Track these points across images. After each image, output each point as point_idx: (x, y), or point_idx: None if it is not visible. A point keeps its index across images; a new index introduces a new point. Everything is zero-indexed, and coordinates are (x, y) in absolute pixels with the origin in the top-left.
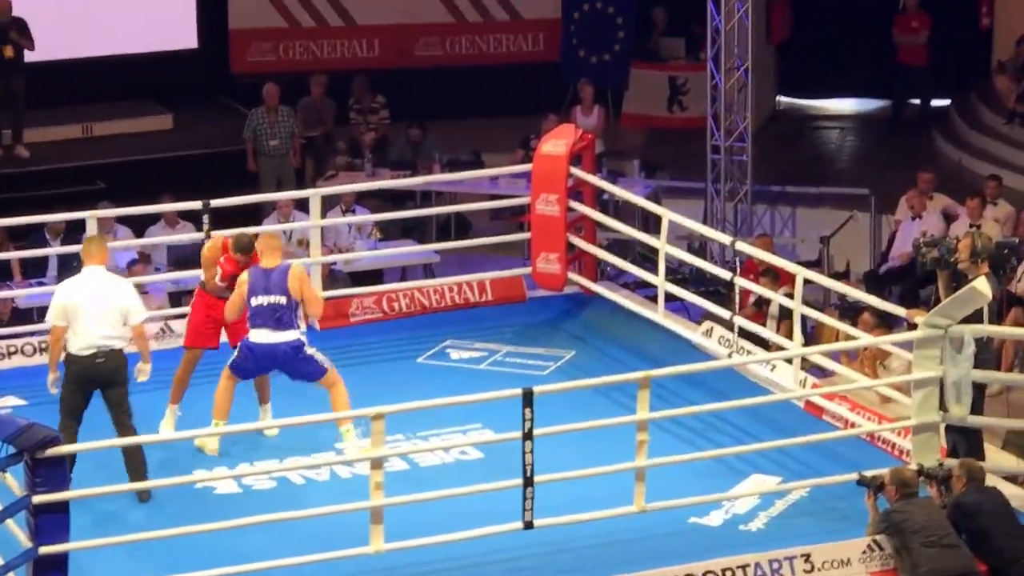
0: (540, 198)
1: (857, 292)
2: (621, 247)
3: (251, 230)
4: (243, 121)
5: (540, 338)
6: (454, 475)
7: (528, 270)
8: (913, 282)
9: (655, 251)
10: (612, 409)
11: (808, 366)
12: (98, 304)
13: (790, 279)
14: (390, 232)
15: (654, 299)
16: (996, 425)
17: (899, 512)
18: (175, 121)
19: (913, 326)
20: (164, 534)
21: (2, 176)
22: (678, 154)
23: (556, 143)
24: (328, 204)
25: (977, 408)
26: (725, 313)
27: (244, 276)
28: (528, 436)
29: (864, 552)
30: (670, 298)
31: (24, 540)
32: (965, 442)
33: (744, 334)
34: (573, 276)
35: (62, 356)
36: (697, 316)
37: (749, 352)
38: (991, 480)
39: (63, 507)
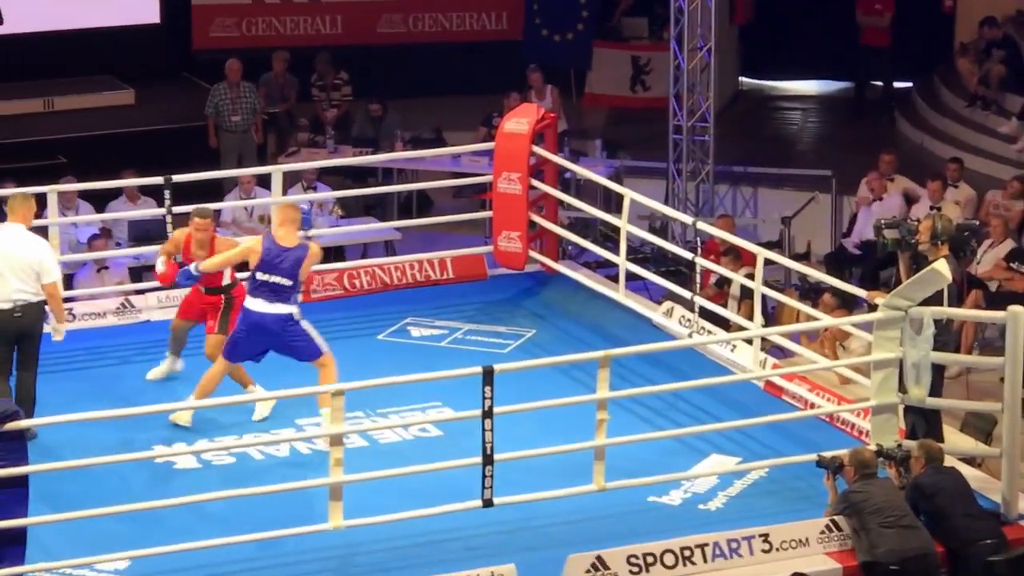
0: (502, 176)
1: (818, 273)
2: (583, 226)
3: (213, 206)
4: (205, 97)
5: (501, 316)
6: (414, 452)
7: (489, 248)
8: (873, 264)
9: (616, 230)
10: (572, 388)
11: (768, 346)
12: (12, 260)
13: (751, 259)
14: (352, 209)
15: (615, 278)
16: (955, 407)
17: (858, 492)
18: (137, 96)
19: (873, 307)
20: (123, 509)
21: None
22: (640, 134)
23: (519, 122)
24: (290, 181)
25: (936, 390)
26: (686, 293)
27: (256, 244)
28: (488, 414)
29: (822, 532)
30: (631, 277)
31: None
32: (924, 423)
33: (705, 314)
34: (534, 255)
35: None
36: (658, 296)
37: (709, 332)
38: (949, 461)
39: (23, 481)
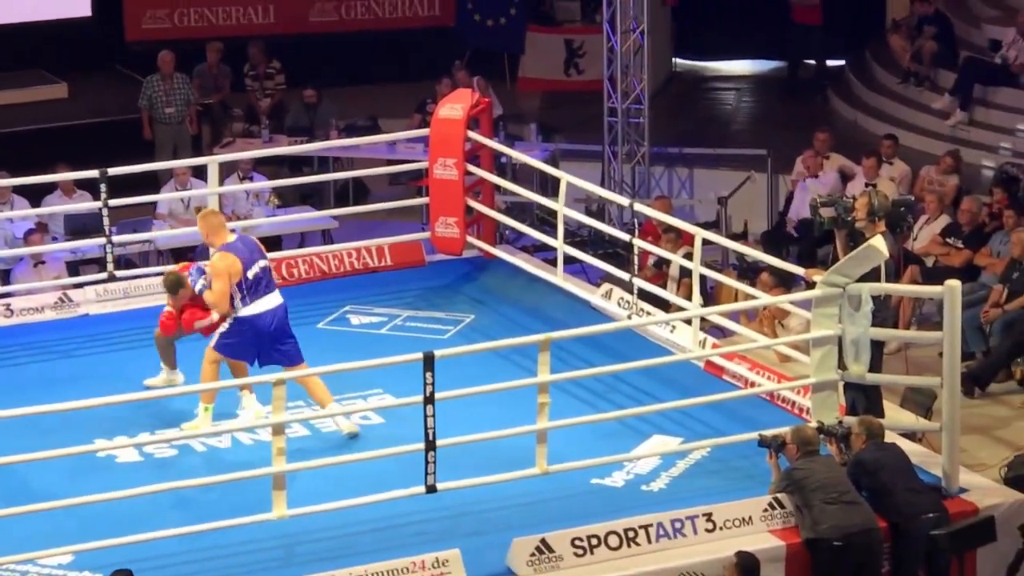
0: (438, 162)
1: (756, 252)
2: (520, 210)
3: (148, 198)
4: (138, 89)
5: (440, 302)
6: (357, 440)
7: (427, 234)
8: (810, 241)
9: (553, 214)
10: (513, 372)
11: (708, 327)
12: None
13: (689, 240)
14: (288, 198)
15: (553, 262)
16: (894, 382)
17: (800, 470)
18: (70, 90)
19: (811, 285)
20: (65, 503)
21: None
22: (575, 117)
23: (453, 107)
24: (225, 171)
25: (876, 366)
26: (624, 275)
27: (229, 258)
28: (430, 400)
29: (765, 510)
30: (569, 261)
31: None
32: (864, 399)
33: (643, 295)
34: (472, 240)
35: None
36: (596, 278)
37: (649, 313)
38: (890, 437)
39: None
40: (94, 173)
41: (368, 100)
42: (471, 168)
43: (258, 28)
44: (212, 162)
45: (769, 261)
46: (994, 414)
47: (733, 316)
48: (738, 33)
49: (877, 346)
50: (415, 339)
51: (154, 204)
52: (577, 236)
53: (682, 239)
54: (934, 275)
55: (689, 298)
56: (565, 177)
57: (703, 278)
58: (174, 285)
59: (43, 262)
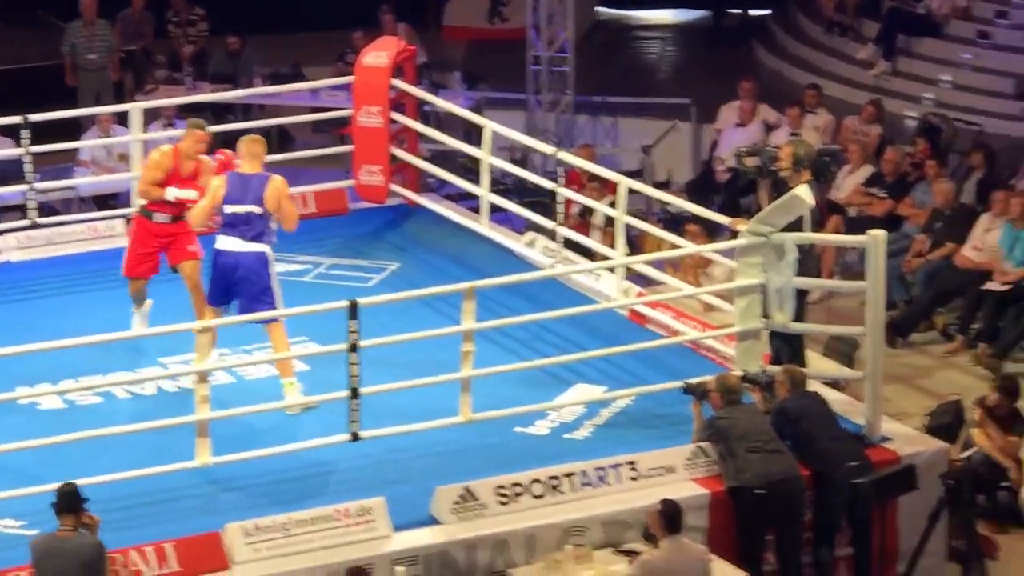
0: (362, 110)
1: (680, 201)
2: (444, 158)
3: (71, 145)
4: (60, 35)
5: (364, 250)
6: (279, 388)
7: (351, 182)
8: (734, 191)
9: (478, 162)
10: (437, 320)
11: (632, 275)
12: None
13: (613, 189)
14: (212, 146)
15: (477, 210)
16: (817, 331)
17: (723, 418)
18: None
19: (735, 234)
20: None
21: None
22: (500, 65)
23: (378, 55)
24: (149, 118)
25: (799, 315)
26: (549, 223)
27: (219, 180)
28: (353, 348)
29: (689, 458)
30: (494, 209)
31: None
32: (788, 348)
33: (568, 244)
34: (396, 188)
35: None
36: (521, 227)
37: (573, 262)
38: (813, 385)
39: None
40: (16, 119)
41: (291, 48)
42: (395, 116)
43: None
44: (135, 109)
45: (694, 210)
46: (916, 363)
47: (657, 265)
48: None
49: (801, 295)
50: (339, 287)
51: (76, 151)
52: (501, 184)
53: (606, 188)
54: (857, 225)
55: (613, 247)
56: (489, 125)
57: (627, 227)
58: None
59: None
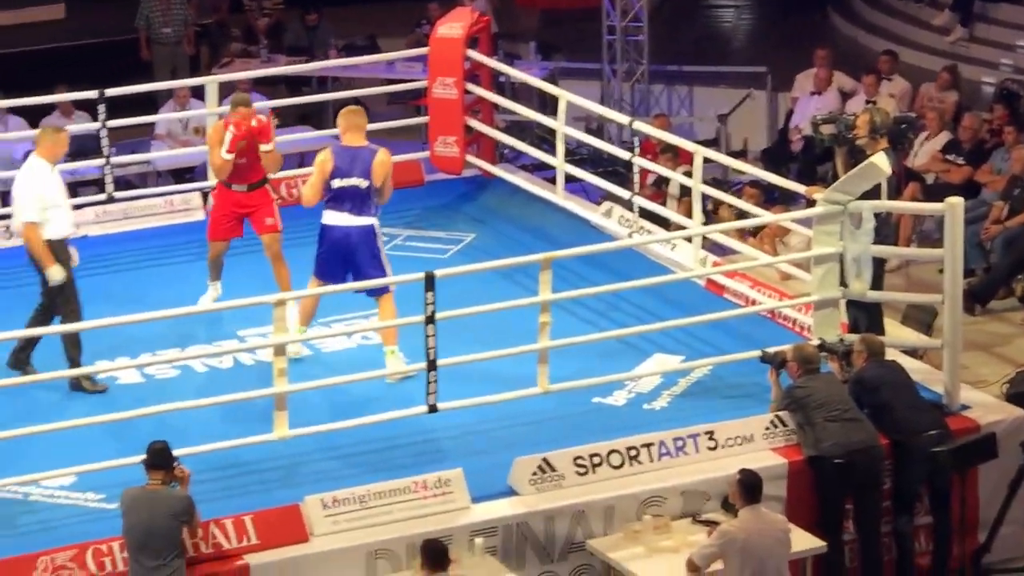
0: (437, 82)
1: (756, 169)
2: (519, 129)
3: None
4: (136, 9)
5: (440, 221)
6: (358, 360)
7: (426, 154)
8: (811, 159)
9: (553, 133)
10: (514, 291)
11: (708, 244)
12: (14, 198)
13: (689, 158)
14: (287, 118)
15: (553, 181)
16: (895, 299)
17: (801, 388)
18: (67, 10)
19: (812, 203)
20: (66, 425)
21: None
22: (574, 35)
23: (452, 26)
24: (224, 91)
25: (877, 283)
26: (625, 193)
27: (326, 155)
28: (430, 320)
29: (767, 428)
30: (569, 179)
31: None
32: (866, 317)
33: (644, 214)
34: (471, 159)
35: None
36: (596, 197)
37: (649, 232)
38: (891, 354)
39: None
40: (92, 94)
41: (366, 19)
42: (470, 87)
43: None
44: (211, 82)
45: (769, 178)
46: (995, 331)
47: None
48: None
49: (878, 263)
50: (416, 259)
51: (152, 125)
52: (577, 155)
53: (680, 158)
54: (935, 192)
55: (689, 216)
56: (564, 95)
57: (703, 196)
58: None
59: None
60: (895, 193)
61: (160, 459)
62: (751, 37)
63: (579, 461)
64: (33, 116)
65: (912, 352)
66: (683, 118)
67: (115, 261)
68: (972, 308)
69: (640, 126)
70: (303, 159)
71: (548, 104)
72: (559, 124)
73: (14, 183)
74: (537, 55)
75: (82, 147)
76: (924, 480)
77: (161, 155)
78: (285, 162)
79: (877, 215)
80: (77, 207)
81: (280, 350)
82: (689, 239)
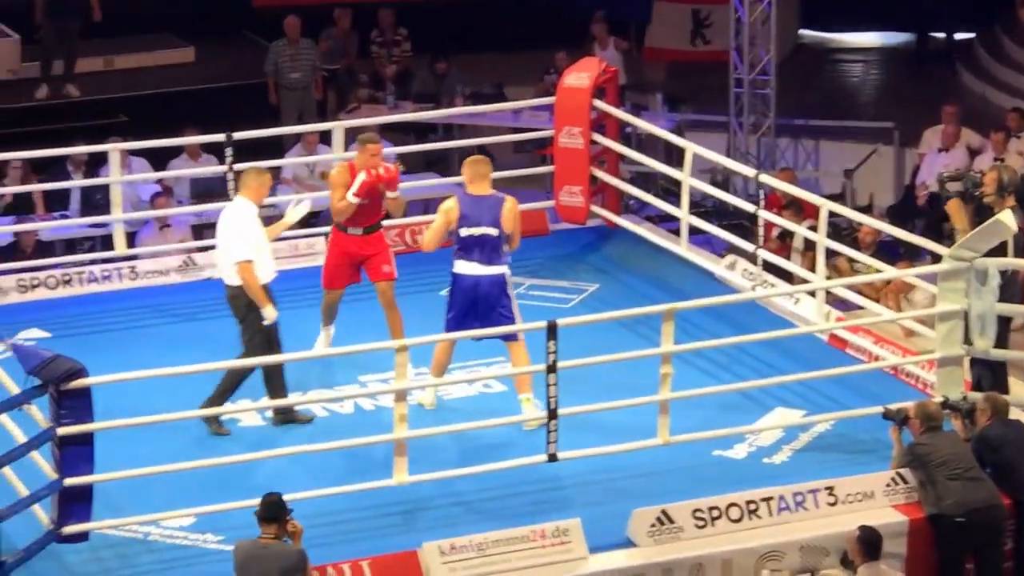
0: (563, 131)
1: (882, 224)
2: (644, 180)
3: (274, 163)
4: (264, 54)
5: (563, 271)
6: (478, 408)
7: (551, 203)
8: (938, 216)
9: (678, 184)
10: (636, 342)
11: (832, 299)
12: (222, 237)
13: (813, 212)
14: (413, 165)
15: (677, 232)
16: (1020, 359)
17: (924, 445)
18: (197, 54)
19: (937, 259)
20: (189, 466)
21: (25, 109)
22: (701, 87)
23: (579, 76)
24: (350, 137)
25: (1002, 341)
26: (749, 246)
27: (451, 203)
28: (552, 369)
29: (888, 485)
30: (693, 231)
31: (49, 471)
32: (990, 375)
33: (768, 267)
34: (596, 209)
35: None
36: (720, 249)
37: (772, 285)
38: (1015, 413)
39: (87, 439)
40: (220, 137)
41: (494, 67)
42: (596, 137)
43: None
44: (338, 127)
45: (897, 234)
46: None
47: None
48: (866, 4)
49: (1004, 322)
50: (538, 308)
51: (279, 169)
52: (702, 206)
53: (804, 212)
54: None
55: (813, 270)
56: (691, 147)
57: (827, 251)
58: (373, 136)
59: (168, 225)
60: (1021, 251)
61: (273, 511)
62: (879, 92)
63: (698, 514)
64: (161, 159)
65: None
66: (809, 172)
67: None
68: None
69: (766, 179)
70: (427, 206)
71: (674, 156)
72: (685, 176)
73: (220, 223)
74: (664, 106)
75: (209, 189)
76: None
77: (287, 199)
78: (410, 208)
79: (1003, 272)
80: (202, 249)
81: (401, 396)
82: (813, 293)
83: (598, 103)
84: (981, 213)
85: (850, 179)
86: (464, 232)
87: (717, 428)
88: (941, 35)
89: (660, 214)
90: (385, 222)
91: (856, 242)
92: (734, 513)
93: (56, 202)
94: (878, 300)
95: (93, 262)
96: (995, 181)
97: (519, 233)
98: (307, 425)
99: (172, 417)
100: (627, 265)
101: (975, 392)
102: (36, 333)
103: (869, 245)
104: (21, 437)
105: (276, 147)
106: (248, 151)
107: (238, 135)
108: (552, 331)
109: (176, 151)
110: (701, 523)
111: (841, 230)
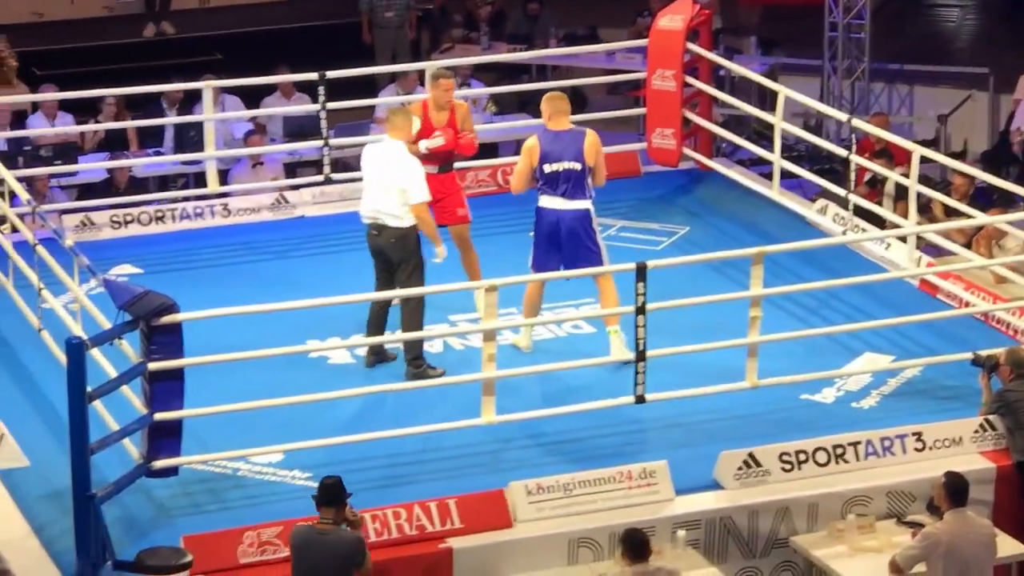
0: (656, 73)
1: (975, 171)
2: (737, 123)
3: (368, 102)
4: None
5: (654, 213)
6: (567, 349)
7: (643, 145)
8: None
9: (771, 127)
10: (726, 285)
11: (922, 245)
12: (378, 177)
13: (906, 158)
14: (505, 105)
15: (769, 176)
16: None
17: (1013, 392)
18: None
19: None
20: (277, 403)
21: (119, 47)
22: (795, 31)
23: (673, 18)
24: None
25: None
26: (840, 191)
27: (532, 142)
28: (641, 310)
29: (976, 431)
30: (785, 175)
31: (139, 407)
32: None
33: (859, 212)
34: (688, 152)
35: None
36: (812, 193)
37: (864, 230)
38: None
39: (178, 374)
40: (313, 76)
41: (588, 9)
42: (689, 80)
43: None
44: (431, 67)
45: (989, 180)
46: None
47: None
48: None
49: None
50: (628, 249)
51: (372, 108)
52: (794, 151)
53: (896, 159)
54: None
55: (905, 216)
56: (783, 91)
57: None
58: (445, 71)
59: (261, 163)
60: None
61: (331, 495)
62: (975, 37)
63: (785, 457)
64: (255, 97)
65: None
66: (903, 117)
67: (331, 242)
68: None
69: (859, 124)
70: (519, 147)
71: (767, 99)
72: (777, 119)
73: (384, 167)
74: (757, 50)
75: (302, 128)
76: None
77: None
78: (503, 148)
79: None
80: (295, 187)
81: (490, 335)
82: (904, 238)
83: (691, 46)
84: None
85: (944, 125)
86: (548, 168)
87: (805, 372)
88: None
89: (752, 157)
90: (477, 162)
91: (949, 192)
92: (821, 457)
93: (150, 139)
94: (969, 246)
95: (186, 199)
96: None
97: (603, 167)
98: (392, 364)
99: (258, 354)
100: (718, 208)
101: None
102: (128, 269)
103: (964, 196)
104: (112, 372)
105: (369, 86)
106: (341, 90)
107: (331, 74)
108: (642, 272)
109: (270, 89)
110: (788, 467)
111: (935, 184)
